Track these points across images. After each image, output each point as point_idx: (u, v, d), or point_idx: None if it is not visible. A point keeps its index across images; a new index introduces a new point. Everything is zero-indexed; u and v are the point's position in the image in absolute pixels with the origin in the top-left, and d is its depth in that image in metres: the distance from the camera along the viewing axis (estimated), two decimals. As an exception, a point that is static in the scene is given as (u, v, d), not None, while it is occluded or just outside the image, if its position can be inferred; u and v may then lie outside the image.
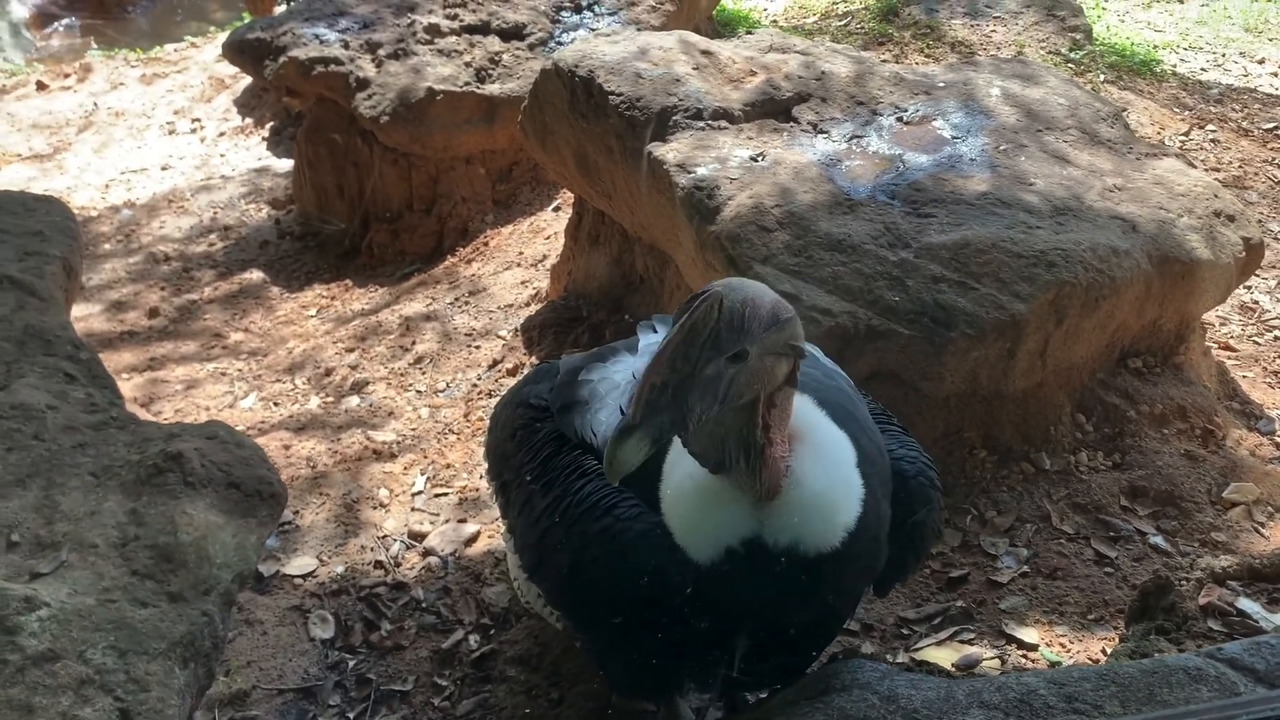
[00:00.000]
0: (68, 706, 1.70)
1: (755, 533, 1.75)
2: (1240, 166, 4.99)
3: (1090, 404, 3.24)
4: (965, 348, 2.87)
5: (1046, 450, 3.14)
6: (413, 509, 3.41)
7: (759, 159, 3.36)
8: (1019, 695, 1.81)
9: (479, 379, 4.13)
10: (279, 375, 4.65)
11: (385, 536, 3.30)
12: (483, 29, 5.71)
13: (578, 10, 5.84)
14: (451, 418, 3.89)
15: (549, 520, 2.04)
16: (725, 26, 6.72)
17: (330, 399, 4.31)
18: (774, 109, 3.66)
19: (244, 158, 7.15)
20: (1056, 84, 3.91)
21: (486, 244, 5.32)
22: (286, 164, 6.72)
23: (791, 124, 3.60)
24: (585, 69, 3.74)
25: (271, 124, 7.35)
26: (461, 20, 5.73)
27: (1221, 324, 3.95)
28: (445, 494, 3.46)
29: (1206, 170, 4.66)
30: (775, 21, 6.94)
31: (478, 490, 3.42)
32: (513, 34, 5.69)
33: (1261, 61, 6.58)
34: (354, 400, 4.23)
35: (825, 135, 3.53)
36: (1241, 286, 3.84)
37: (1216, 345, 3.79)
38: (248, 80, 7.51)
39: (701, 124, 3.54)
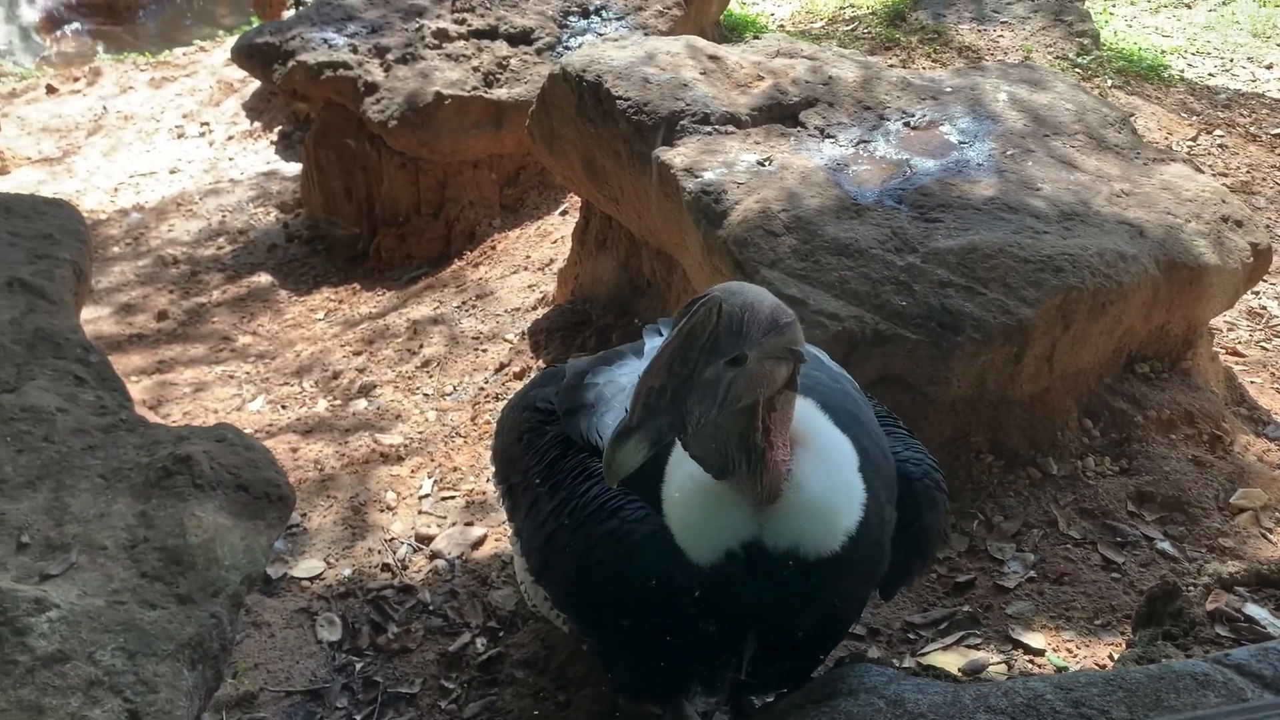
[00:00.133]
0: (77, 707, 1.71)
1: (755, 536, 1.75)
2: (1248, 172, 4.98)
3: (1097, 409, 3.24)
4: (972, 352, 2.87)
5: (1054, 455, 3.13)
6: (420, 512, 3.42)
7: (766, 164, 3.37)
8: (1025, 700, 1.81)
9: (486, 382, 4.14)
10: (287, 378, 4.67)
11: (392, 539, 3.30)
12: (490, 34, 5.73)
13: (585, 15, 5.85)
14: (458, 421, 3.90)
15: (555, 523, 2.04)
16: (732, 31, 6.73)
17: (338, 402, 4.32)
18: (781, 114, 3.66)
19: (252, 161, 7.18)
20: (1064, 89, 3.91)
21: (494, 248, 5.33)
22: (295, 168, 6.74)
23: (799, 129, 3.60)
24: (593, 74, 3.75)
25: (280, 128, 7.37)
26: (469, 25, 5.75)
27: (1229, 329, 3.95)
28: (452, 497, 3.46)
29: (1214, 175, 4.65)
30: (782, 26, 6.95)
31: (485, 493, 3.43)
32: (520, 39, 5.71)
33: (1269, 67, 6.57)
34: (361, 403, 4.24)
35: (832, 140, 3.54)
36: (1249, 292, 3.84)
37: (1224, 350, 3.79)
38: (256, 84, 7.55)
39: (709, 129, 3.54)
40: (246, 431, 2.45)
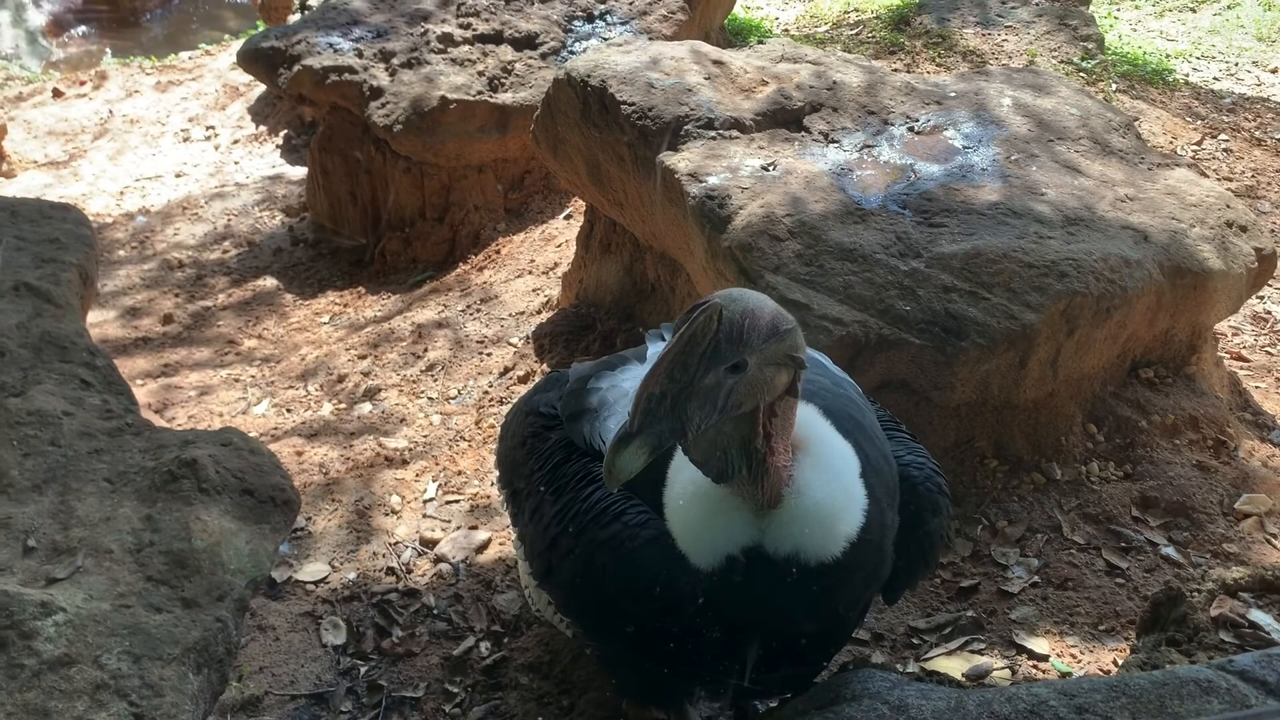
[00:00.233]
0: (83, 711, 1.72)
1: (756, 541, 1.75)
2: (1253, 176, 4.98)
3: (1102, 414, 3.24)
4: (976, 357, 2.87)
5: (1058, 460, 3.13)
6: (424, 516, 3.42)
7: (770, 168, 3.37)
8: (1029, 706, 1.80)
9: (490, 386, 4.14)
10: (292, 382, 4.68)
11: (397, 543, 3.31)
12: (495, 38, 5.74)
13: (590, 20, 5.87)
14: (463, 425, 3.91)
15: (558, 527, 2.05)
16: (737, 35, 6.74)
17: (343, 405, 4.33)
18: (785, 118, 3.67)
19: (258, 165, 7.20)
20: (1068, 93, 3.91)
21: (498, 252, 5.34)
22: (300, 171, 6.76)
23: (803, 133, 3.61)
24: (597, 78, 3.76)
25: (285, 132, 7.39)
26: (474, 30, 5.76)
27: (1234, 334, 3.95)
28: (457, 501, 3.47)
29: (1219, 180, 4.65)
30: (787, 30, 6.96)
31: (489, 497, 3.43)
32: (525, 43, 5.73)
33: (1274, 71, 6.57)
34: (366, 407, 4.25)
35: (836, 145, 3.54)
36: (1254, 297, 3.84)
37: (1228, 356, 3.78)
38: (262, 88, 7.57)
39: (713, 133, 3.55)
40: (251, 435, 2.45)
